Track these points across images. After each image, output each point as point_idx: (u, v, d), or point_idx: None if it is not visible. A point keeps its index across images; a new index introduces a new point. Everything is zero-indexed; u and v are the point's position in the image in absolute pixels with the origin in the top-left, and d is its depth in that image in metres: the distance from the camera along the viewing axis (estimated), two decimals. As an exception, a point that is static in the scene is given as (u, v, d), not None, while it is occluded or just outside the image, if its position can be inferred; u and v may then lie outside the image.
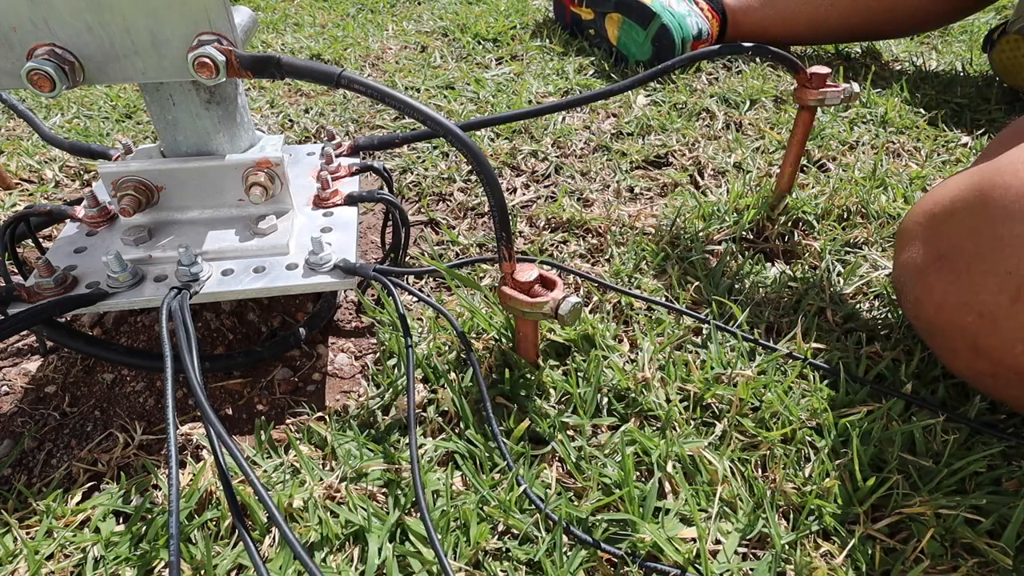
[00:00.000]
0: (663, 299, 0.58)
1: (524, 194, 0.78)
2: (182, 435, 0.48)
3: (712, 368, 0.50)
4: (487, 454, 0.44)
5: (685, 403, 0.48)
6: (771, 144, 0.87)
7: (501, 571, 0.38)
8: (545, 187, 0.79)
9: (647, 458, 0.45)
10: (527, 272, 0.46)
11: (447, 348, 0.53)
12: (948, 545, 0.39)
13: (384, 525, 0.40)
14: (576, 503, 0.42)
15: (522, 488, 0.42)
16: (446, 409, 0.48)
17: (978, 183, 0.41)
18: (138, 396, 0.52)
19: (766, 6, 1.11)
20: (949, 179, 0.45)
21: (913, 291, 0.44)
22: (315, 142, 0.93)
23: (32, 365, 0.55)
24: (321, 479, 0.43)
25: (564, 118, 0.95)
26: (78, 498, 0.44)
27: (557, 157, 0.85)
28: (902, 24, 1.07)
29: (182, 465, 0.45)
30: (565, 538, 0.39)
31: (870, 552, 0.38)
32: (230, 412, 0.51)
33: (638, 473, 0.43)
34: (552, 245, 0.69)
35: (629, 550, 0.39)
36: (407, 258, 0.67)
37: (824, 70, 0.62)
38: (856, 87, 0.62)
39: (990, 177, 0.40)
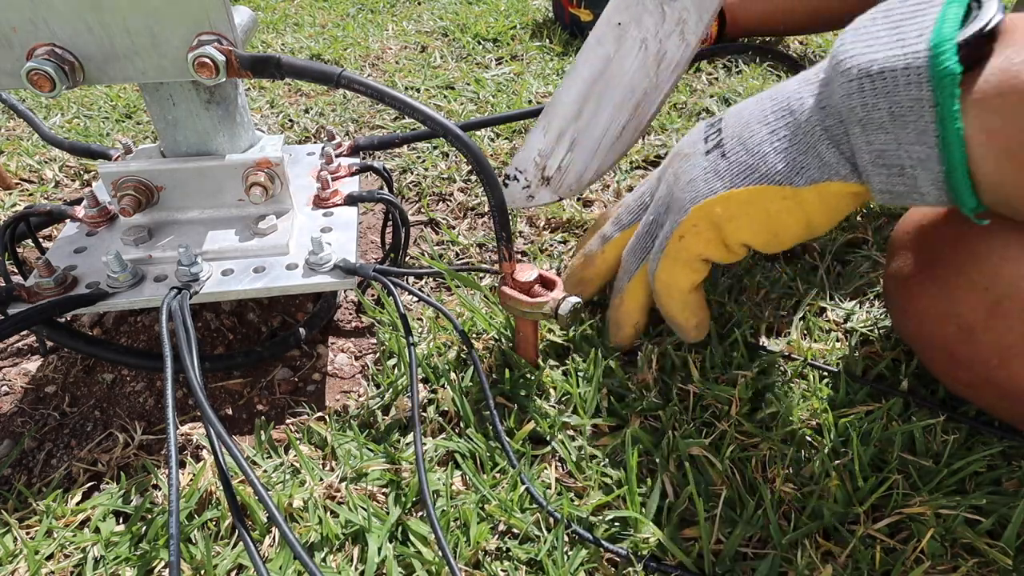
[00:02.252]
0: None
1: (524, 194, 0.78)
2: (182, 435, 0.48)
3: (712, 368, 0.50)
4: (488, 454, 0.44)
5: (685, 403, 0.48)
6: (771, 144, 0.87)
7: (502, 571, 0.38)
8: (545, 187, 0.79)
9: (648, 458, 0.45)
10: (527, 272, 0.46)
11: (447, 348, 0.53)
12: (948, 545, 0.39)
13: (384, 525, 0.40)
14: (577, 503, 0.42)
15: (525, 486, 0.42)
16: (446, 409, 0.48)
17: None
18: (138, 396, 0.52)
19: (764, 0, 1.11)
20: None
21: (898, 300, 0.45)
22: (315, 142, 0.93)
23: (32, 365, 0.55)
24: (321, 479, 0.43)
25: (564, 118, 0.95)
26: (78, 498, 0.44)
27: (557, 157, 0.85)
28: None
29: (182, 465, 0.45)
30: (566, 537, 0.39)
31: (870, 552, 0.38)
32: (230, 412, 0.51)
33: (639, 473, 0.43)
34: (552, 245, 0.69)
35: (631, 549, 0.39)
36: (407, 258, 0.67)
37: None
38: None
39: None
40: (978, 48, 0.31)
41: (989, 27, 0.31)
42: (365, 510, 0.41)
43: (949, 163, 0.33)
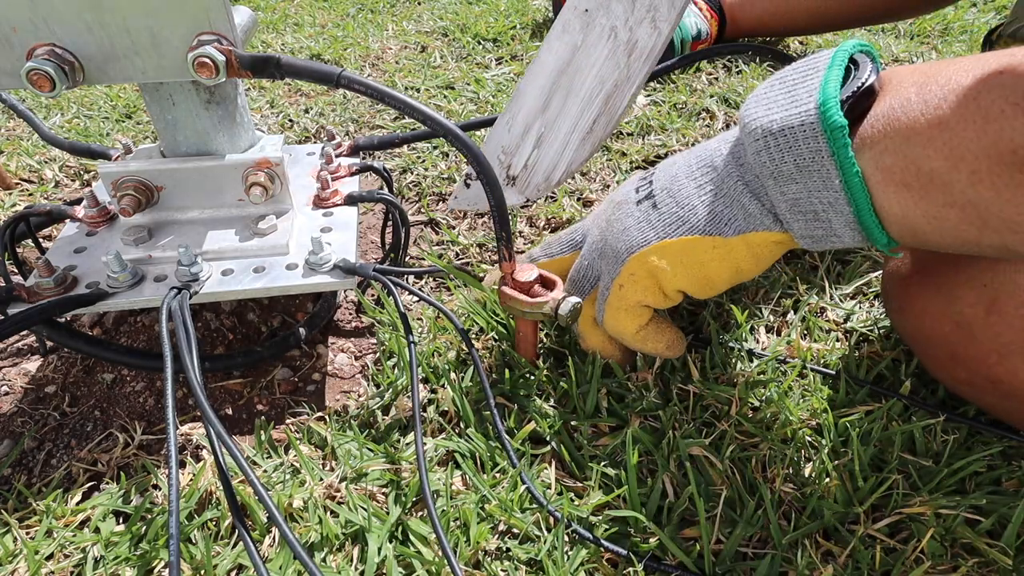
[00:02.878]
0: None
1: (524, 194, 0.78)
2: (182, 435, 0.48)
3: (712, 368, 0.50)
4: (488, 453, 0.44)
5: (685, 403, 0.48)
6: (771, 144, 0.87)
7: (502, 571, 0.38)
8: (545, 187, 0.79)
9: (648, 458, 0.45)
10: (527, 272, 0.46)
11: (447, 348, 0.53)
12: (948, 545, 0.39)
13: (384, 525, 0.40)
14: (577, 502, 0.42)
15: (525, 486, 0.42)
16: (446, 409, 0.48)
17: None
18: (138, 396, 0.52)
19: (764, 0, 1.11)
20: None
21: (897, 299, 0.45)
22: (315, 142, 0.93)
23: (32, 365, 0.55)
24: (321, 479, 0.43)
25: (564, 118, 0.95)
26: (78, 498, 0.44)
27: (557, 157, 0.85)
28: (903, 6, 1.06)
29: (182, 465, 0.45)
30: (566, 537, 0.39)
31: (870, 552, 0.38)
32: (230, 412, 0.51)
33: (640, 473, 0.43)
34: (552, 245, 0.69)
35: (631, 549, 0.39)
36: (407, 258, 0.67)
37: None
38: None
39: None
40: (860, 102, 0.36)
41: (866, 84, 0.36)
42: (365, 510, 0.41)
43: (855, 204, 0.36)
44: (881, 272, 0.61)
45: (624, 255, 0.44)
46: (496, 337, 0.53)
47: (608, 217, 0.47)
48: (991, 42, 0.98)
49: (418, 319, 0.58)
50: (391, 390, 0.49)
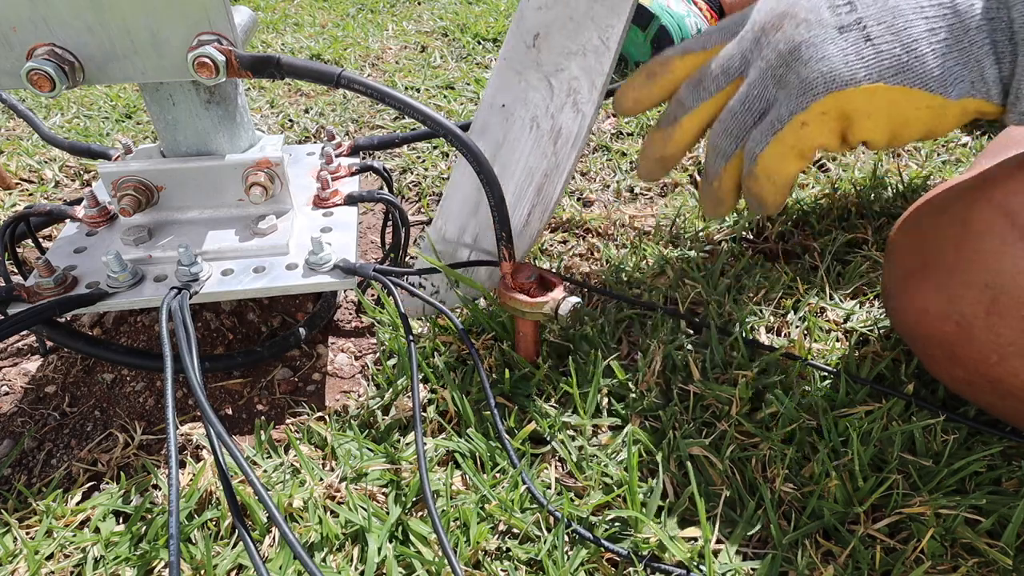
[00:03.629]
0: (662, 300, 0.58)
1: (524, 194, 0.78)
2: (182, 435, 0.48)
3: (712, 368, 0.50)
4: (488, 453, 0.44)
5: (685, 403, 0.48)
6: (771, 144, 0.87)
7: (501, 571, 0.38)
8: (545, 187, 0.79)
9: (648, 458, 0.45)
10: (527, 272, 0.46)
11: (447, 348, 0.53)
12: (948, 545, 0.39)
13: (384, 525, 0.40)
14: (577, 502, 0.42)
15: (525, 486, 0.42)
16: (446, 409, 0.48)
17: (962, 195, 0.41)
18: (138, 396, 0.52)
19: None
20: (937, 188, 0.46)
21: (897, 298, 0.45)
22: (315, 142, 0.93)
23: (32, 365, 0.55)
24: (321, 479, 0.43)
25: (564, 118, 0.95)
26: (78, 498, 0.44)
27: (557, 157, 0.85)
28: None
29: (182, 465, 0.45)
30: (566, 537, 0.39)
31: (870, 552, 0.38)
32: (230, 412, 0.51)
33: (640, 473, 0.43)
34: (552, 245, 0.69)
35: (632, 549, 0.39)
36: (407, 258, 0.67)
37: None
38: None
39: (974, 190, 0.40)
40: None
41: None
42: (365, 510, 0.41)
43: None
44: (881, 272, 0.61)
45: (820, 89, 0.38)
46: (496, 337, 0.53)
47: (790, 37, 0.39)
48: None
49: (418, 319, 0.58)
50: (391, 390, 0.49)
